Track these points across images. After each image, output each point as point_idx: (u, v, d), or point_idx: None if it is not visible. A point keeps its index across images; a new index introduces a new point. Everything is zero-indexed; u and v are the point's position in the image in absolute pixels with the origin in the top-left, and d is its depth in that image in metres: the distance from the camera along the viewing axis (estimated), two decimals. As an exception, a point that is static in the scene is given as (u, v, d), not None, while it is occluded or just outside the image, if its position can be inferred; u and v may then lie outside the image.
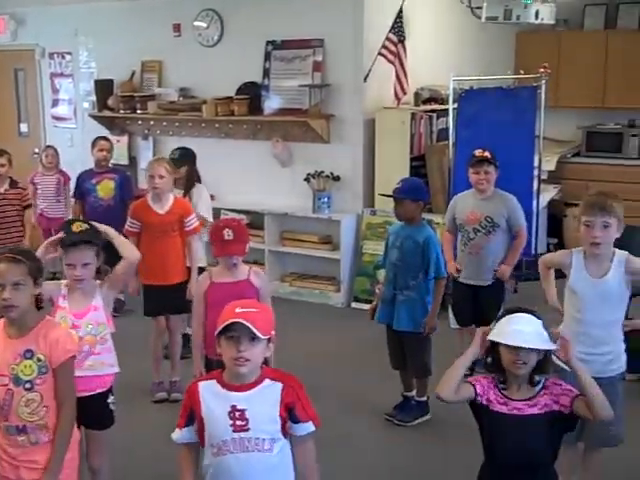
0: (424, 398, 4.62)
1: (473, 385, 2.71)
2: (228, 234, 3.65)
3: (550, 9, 5.72)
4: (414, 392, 4.66)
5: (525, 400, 2.64)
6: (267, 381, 2.47)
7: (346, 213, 6.81)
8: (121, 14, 7.87)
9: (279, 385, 2.47)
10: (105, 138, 6.65)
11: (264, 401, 2.45)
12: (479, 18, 5.89)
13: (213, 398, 2.47)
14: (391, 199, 4.51)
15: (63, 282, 3.41)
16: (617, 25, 8.50)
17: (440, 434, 4.48)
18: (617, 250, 3.39)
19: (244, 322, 2.36)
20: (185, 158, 5.61)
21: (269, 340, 2.46)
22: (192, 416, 2.50)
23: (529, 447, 2.62)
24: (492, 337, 2.64)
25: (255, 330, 2.37)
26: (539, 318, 2.69)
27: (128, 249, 3.55)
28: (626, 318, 3.57)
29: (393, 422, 4.59)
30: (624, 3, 8.47)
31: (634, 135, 8.33)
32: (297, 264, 7.20)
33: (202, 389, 2.50)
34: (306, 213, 6.95)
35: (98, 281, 3.41)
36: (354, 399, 4.88)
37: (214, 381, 2.50)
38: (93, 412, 3.32)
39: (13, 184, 6.24)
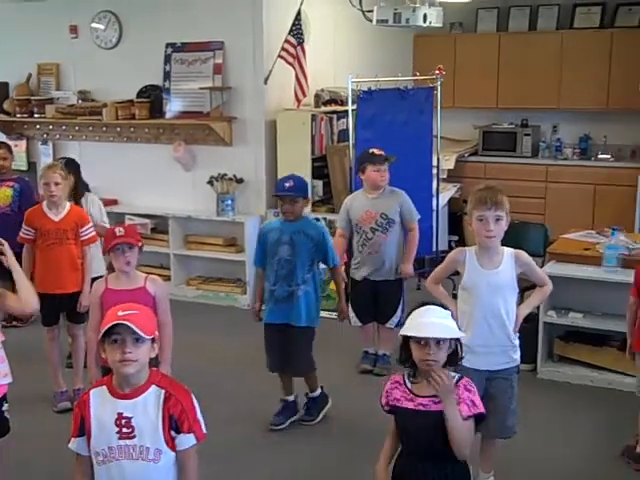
0: (319, 390, 4.62)
1: (381, 404, 2.78)
2: (119, 231, 3.75)
3: (437, 13, 5.88)
4: (294, 395, 4.61)
5: (432, 396, 2.67)
6: (153, 387, 2.49)
7: (250, 215, 6.84)
8: (14, 15, 7.67)
9: (163, 393, 2.48)
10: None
11: (149, 409, 2.46)
12: (370, 21, 6.00)
13: (101, 405, 2.48)
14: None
15: None
16: (509, 28, 8.82)
17: (339, 430, 4.52)
18: (505, 247, 3.52)
19: (127, 323, 2.38)
20: (71, 167, 5.49)
21: (153, 340, 2.48)
22: (84, 426, 2.50)
23: (435, 442, 2.66)
24: (402, 331, 2.67)
25: (139, 330, 2.39)
26: (447, 309, 2.74)
27: (26, 295, 3.38)
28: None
29: (301, 423, 4.56)
30: (515, 7, 8.79)
31: (527, 134, 8.65)
32: (202, 267, 7.19)
33: (92, 397, 2.51)
34: (210, 216, 6.96)
35: None
36: (257, 401, 4.83)
37: (104, 387, 2.52)
38: None
39: None
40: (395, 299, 5.23)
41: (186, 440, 2.48)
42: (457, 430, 2.61)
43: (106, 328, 2.41)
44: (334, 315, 6.34)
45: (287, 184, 4.35)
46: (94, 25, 7.37)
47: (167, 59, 7.08)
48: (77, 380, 4.90)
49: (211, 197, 6.92)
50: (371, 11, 5.94)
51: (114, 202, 7.44)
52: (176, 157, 7.10)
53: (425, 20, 5.61)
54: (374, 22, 5.84)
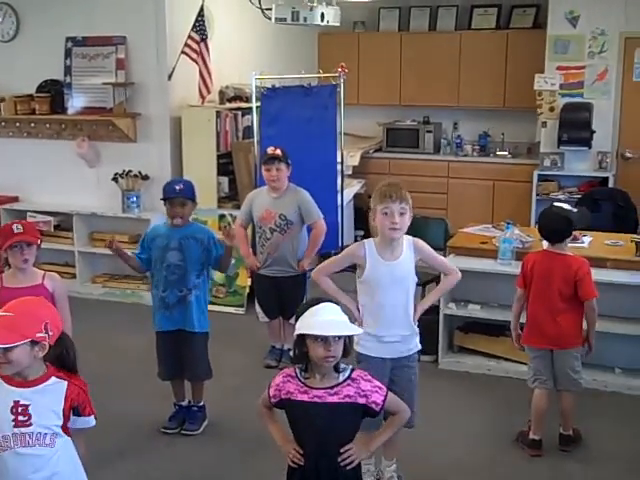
0: (203, 402, 4.55)
1: (268, 395, 2.86)
2: (17, 227, 3.66)
3: (335, 12, 5.98)
4: (187, 400, 4.56)
5: (327, 388, 2.73)
6: (53, 379, 2.53)
7: (156, 212, 6.72)
8: None
9: (64, 383, 2.53)
10: None
11: (48, 397, 2.50)
12: (270, 19, 6.05)
13: None
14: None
15: None
16: (410, 27, 9.02)
17: (240, 427, 4.50)
18: (405, 235, 3.59)
19: None
20: None
21: (35, 342, 2.45)
22: None
23: (330, 433, 2.73)
24: (301, 330, 2.70)
25: None
26: (337, 304, 2.80)
27: None
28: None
29: (180, 433, 4.45)
30: (415, 7, 8.99)
31: (429, 131, 8.87)
32: (108, 265, 7.07)
33: None
34: (115, 213, 6.88)
35: None
36: (156, 401, 4.73)
37: None
38: None
39: None
40: (298, 295, 5.23)
41: (88, 421, 2.60)
42: (399, 425, 2.96)
43: None
44: (241, 311, 6.48)
45: (177, 187, 4.28)
46: (-10, 17, 7.17)
47: (68, 53, 6.95)
48: None
49: (116, 194, 6.85)
50: (270, 9, 5.99)
51: (15, 199, 7.28)
52: (80, 153, 6.98)
53: (323, 19, 5.70)
54: (273, 20, 5.90)
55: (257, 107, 6.52)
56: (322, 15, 5.64)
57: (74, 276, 6.95)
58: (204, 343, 4.45)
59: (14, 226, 3.68)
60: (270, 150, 5.14)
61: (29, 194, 7.31)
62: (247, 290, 6.47)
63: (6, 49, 7.17)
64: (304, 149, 5.88)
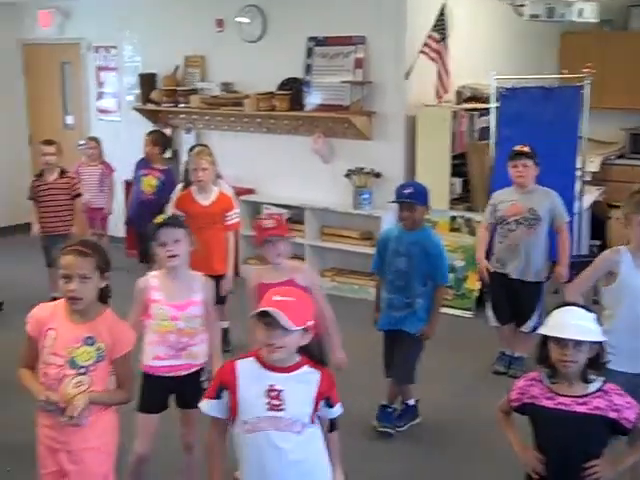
0: (412, 401, 4.50)
1: (509, 399, 2.77)
2: (268, 223, 3.72)
3: (593, 8, 5.70)
4: (413, 400, 4.53)
5: (575, 397, 2.62)
6: (306, 367, 2.54)
7: (387, 210, 6.77)
8: (164, 9, 8.00)
9: (318, 373, 2.54)
10: (152, 134, 6.78)
11: (302, 385, 2.52)
12: (522, 16, 5.86)
13: (251, 376, 2.52)
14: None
15: (150, 274, 3.44)
16: (663, 26, 8.42)
17: (466, 430, 4.44)
18: None
19: (274, 312, 2.40)
20: None
21: (306, 329, 2.48)
22: (222, 391, 2.55)
23: (574, 444, 2.60)
24: (542, 330, 2.65)
25: (283, 321, 2.40)
26: (590, 312, 2.67)
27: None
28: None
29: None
30: (670, 4, 8.39)
31: (680, 137, 8.24)
32: (337, 259, 7.24)
33: (239, 367, 2.55)
34: (347, 209, 7.00)
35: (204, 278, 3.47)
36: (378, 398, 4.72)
37: (253, 359, 2.54)
38: (189, 390, 3.42)
39: (63, 173, 6.37)
40: (533, 302, 5.11)
41: (335, 411, 2.62)
42: None
43: (257, 311, 2.45)
44: (468, 314, 6.34)
45: (406, 191, 4.22)
46: (239, 19, 7.55)
47: (309, 53, 7.18)
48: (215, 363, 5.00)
49: (348, 190, 6.97)
50: (522, 6, 5.80)
51: (250, 191, 7.61)
52: (315, 149, 7.17)
53: (580, 15, 5.44)
54: (525, 17, 5.71)
55: (495, 108, 6.36)
56: (580, 11, 5.38)
57: (303, 269, 7.15)
58: (419, 347, 4.37)
59: (264, 222, 3.74)
60: (518, 148, 5.05)
61: (265, 187, 7.62)
62: (476, 294, 6.33)
63: (252, 49, 7.52)
64: (543, 152, 5.63)
